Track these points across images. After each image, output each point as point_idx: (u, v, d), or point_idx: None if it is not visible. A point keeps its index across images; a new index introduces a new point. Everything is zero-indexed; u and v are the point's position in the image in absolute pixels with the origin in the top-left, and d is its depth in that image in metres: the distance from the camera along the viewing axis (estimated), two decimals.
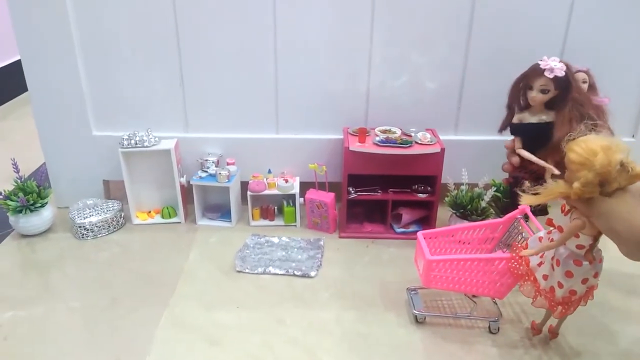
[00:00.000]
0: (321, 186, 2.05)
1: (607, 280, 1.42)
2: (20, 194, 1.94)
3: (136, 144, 1.97)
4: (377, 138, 1.92)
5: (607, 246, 1.30)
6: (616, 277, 1.74)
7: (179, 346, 1.47)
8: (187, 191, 2.11)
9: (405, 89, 2.03)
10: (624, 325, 1.57)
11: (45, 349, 1.47)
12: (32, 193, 1.96)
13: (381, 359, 1.44)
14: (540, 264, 1.37)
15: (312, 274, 1.78)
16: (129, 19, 1.91)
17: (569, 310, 1.37)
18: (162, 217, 2.12)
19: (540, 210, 1.72)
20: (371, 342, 1.49)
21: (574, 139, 1.23)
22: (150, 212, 2.14)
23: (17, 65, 2.75)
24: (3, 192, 1.96)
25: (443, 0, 1.88)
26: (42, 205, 1.98)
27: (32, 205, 1.95)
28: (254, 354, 1.44)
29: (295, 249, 1.92)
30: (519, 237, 1.52)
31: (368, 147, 1.88)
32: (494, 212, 1.94)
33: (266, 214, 2.11)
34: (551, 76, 1.61)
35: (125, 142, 1.97)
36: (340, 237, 2.01)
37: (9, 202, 1.94)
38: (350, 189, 1.97)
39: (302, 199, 2.04)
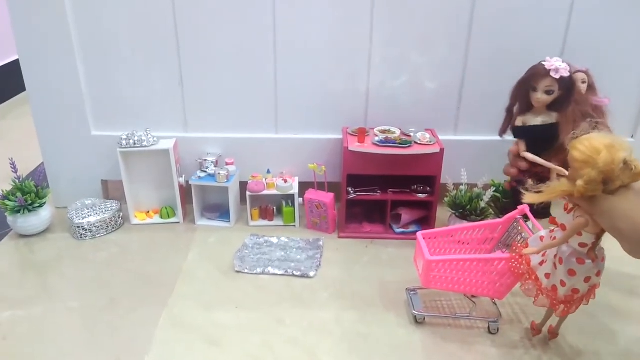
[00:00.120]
0: (320, 186, 2.05)
1: (608, 280, 1.42)
2: (19, 194, 1.94)
3: (135, 143, 1.97)
4: (377, 138, 1.92)
5: (608, 246, 1.30)
6: (616, 277, 1.74)
7: (178, 346, 1.47)
8: (186, 191, 2.10)
9: (405, 89, 2.03)
10: (624, 325, 1.57)
11: (44, 348, 1.46)
12: (30, 193, 1.96)
13: (381, 359, 1.43)
14: (542, 263, 1.37)
15: (312, 274, 1.77)
16: (128, 18, 1.90)
17: (571, 309, 1.37)
18: (161, 217, 2.11)
19: (542, 212, 1.71)
20: (371, 342, 1.49)
21: (577, 137, 1.23)
22: (149, 212, 2.13)
23: (15, 64, 2.74)
24: (1, 192, 1.96)
25: (443, 0, 1.88)
26: (41, 205, 1.97)
27: (30, 205, 1.94)
28: (254, 354, 1.44)
29: (295, 249, 1.92)
30: (519, 238, 1.52)
31: (367, 147, 1.88)
32: (493, 213, 1.94)
33: (265, 214, 2.11)
34: (557, 77, 1.61)
35: (124, 142, 1.97)
36: (340, 237, 2.01)
37: (7, 202, 1.93)
38: (350, 189, 1.97)
39: (301, 199, 2.03)
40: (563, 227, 1.30)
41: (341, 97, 2.04)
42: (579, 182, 1.17)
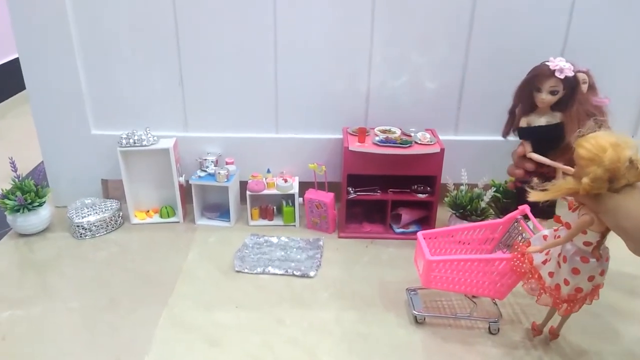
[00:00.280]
0: (320, 186, 2.05)
1: (610, 281, 1.42)
2: (18, 193, 1.94)
3: (135, 143, 1.97)
4: (377, 138, 1.92)
5: (611, 247, 1.30)
6: (619, 278, 1.73)
7: (178, 346, 1.46)
8: (186, 191, 2.10)
9: (405, 89, 2.03)
10: (627, 325, 1.57)
11: (44, 348, 1.46)
12: (30, 192, 1.95)
13: (381, 359, 1.43)
14: (545, 262, 1.37)
15: (312, 274, 1.77)
16: (128, 18, 1.90)
17: (574, 308, 1.37)
18: (161, 216, 2.11)
19: (547, 211, 1.71)
20: (371, 342, 1.49)
21: (582, 135, 1.23)
22: (148, 211, 2.13)
23: (14, 63, 2.74)
24: (1, 191, 1.96)
25: (443, 0, 1.88)
26: (40, 205, 1.97)
27: (30, 204, 1.94)
28: (254, 354, 1.44)
29: (295, 249, 1.92)
30: (519, 238, 1.52)
31: (368, 147, 1.88)
32: (493, 213, 1.94)
33: (265, 213, 2.10)
34: (562, 77, 1.60)
35: (124, 141, 1.96)
36: (340, 237, 2.01)
37: (7, 201, 1.93)
38: (350, 189, 1.97)
39: (301, 199, 2.03)
40: (568, 226, 1.30)
41: (341, 97, 2.04)
42: (585, 180, 1.18)
